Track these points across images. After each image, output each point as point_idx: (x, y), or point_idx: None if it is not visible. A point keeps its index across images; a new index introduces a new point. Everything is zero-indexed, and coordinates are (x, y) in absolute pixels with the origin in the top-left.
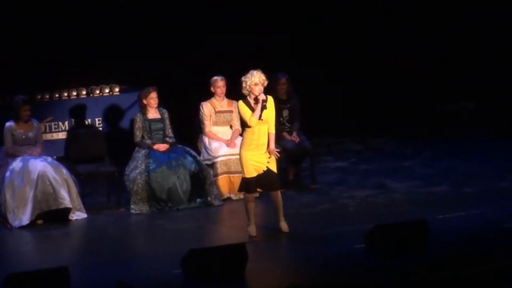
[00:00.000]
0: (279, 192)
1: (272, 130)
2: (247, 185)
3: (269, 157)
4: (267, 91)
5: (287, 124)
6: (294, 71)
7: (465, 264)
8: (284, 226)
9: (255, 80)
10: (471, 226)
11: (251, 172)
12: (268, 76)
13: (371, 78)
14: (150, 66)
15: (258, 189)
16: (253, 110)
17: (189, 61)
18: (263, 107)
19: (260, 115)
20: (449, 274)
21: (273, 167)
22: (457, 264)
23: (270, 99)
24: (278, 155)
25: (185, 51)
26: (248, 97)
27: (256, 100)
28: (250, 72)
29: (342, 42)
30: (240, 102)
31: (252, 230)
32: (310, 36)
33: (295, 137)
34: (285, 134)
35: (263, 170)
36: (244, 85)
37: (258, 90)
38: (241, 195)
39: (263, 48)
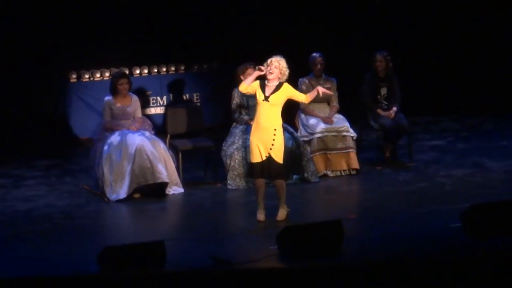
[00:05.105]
0: (282, 181)
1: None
2: (251, 170)
3: (272, 145)
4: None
5: (384, 102)
6: (393, 49)
7: None
8: (281, 213)
9: (268, 61)
10: None
11: (255, 157)
12: (368, 54)
13: (469, 55)
14: (249, 42)
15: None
16: (263, 90)
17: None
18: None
19: (267, 97)
20: None
21: (277, 157)
22: None
23: (285, 85)
24: (327, 91)
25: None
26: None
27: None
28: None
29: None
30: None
31: (260, 216)
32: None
33: (389, 113)
34: (379, 111)
35: (266, 156)
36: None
37: (267, 69)
38: (338, 172)
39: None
